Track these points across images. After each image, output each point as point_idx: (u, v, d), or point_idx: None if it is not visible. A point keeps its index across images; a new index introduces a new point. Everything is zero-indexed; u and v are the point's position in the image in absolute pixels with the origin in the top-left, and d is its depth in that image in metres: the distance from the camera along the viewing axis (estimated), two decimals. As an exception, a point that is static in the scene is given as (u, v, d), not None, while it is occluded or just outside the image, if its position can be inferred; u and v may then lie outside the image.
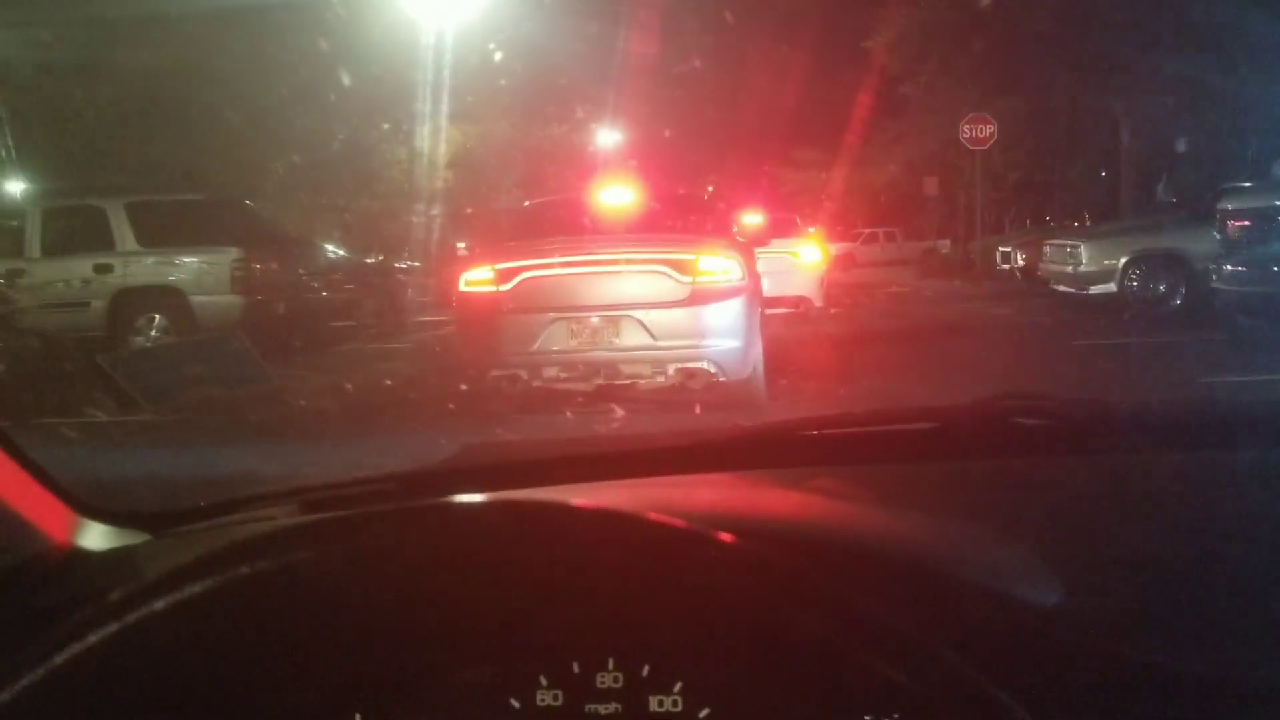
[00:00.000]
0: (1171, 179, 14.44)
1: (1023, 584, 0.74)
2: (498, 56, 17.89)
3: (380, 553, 0.61)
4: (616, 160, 22.38)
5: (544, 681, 0.68)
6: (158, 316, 8.79)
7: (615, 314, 5.10)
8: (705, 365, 5.08)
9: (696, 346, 5.08)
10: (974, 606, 0.70)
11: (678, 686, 0.68)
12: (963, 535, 0.86)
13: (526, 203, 8.50)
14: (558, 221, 6.14)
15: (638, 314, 5.08)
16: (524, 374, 5.15)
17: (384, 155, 19.04)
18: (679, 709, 0.68)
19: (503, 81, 18.78)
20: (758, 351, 5.38)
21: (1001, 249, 14.75)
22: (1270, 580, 0.77)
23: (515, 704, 0.68)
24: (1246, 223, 7.76)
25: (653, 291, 5.14)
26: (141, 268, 8.91)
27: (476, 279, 5.38)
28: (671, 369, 5.09)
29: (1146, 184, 15.60)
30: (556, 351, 5.12)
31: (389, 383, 6.95)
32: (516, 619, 0.66)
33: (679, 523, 0.60)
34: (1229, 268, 7.94)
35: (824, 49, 24.75)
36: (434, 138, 16.74)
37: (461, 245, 16.30)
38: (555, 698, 0.68)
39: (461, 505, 0.70)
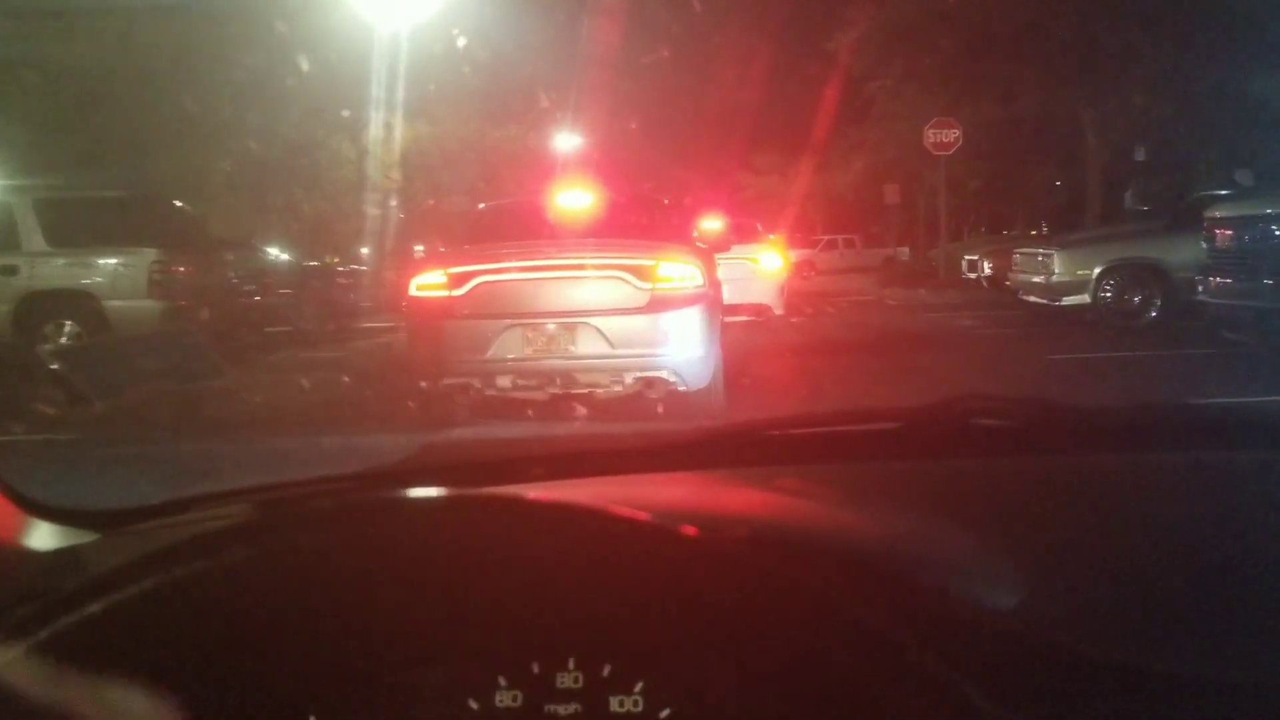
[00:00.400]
0: (1138, 187, 14.42)
1: (984, 583, 0.74)
2: (452, 54, 17.63)
3: (328, 549, 0.61)
4: (574, 163, 22.14)
5: (503, 682, 0.69)
6: (68, 323, 8.21)
7: (572, 321, 5.01)
8: (664, 374, 4.99)
9: (655, 355, 5.00)
10: (936, 604, 0.69)
11: (639, 686, 0.68)
12: (924, 534, 0.86)
13: (481, 205, 8.18)
14: (513, 225, 6.04)
15: (595, 321, 4.98)
16: (477, 383, 5.04)
17: (333, 153, 18.50)
18: (640, 709, 0.68)
19: (457, 80, 18.47)
20: (717, 360, 5.30)
21: (968, 257, 14.38)
22: (1230, 579, 0.78)
23: (474, 705, 0.69)
24: (1236, 232, 7.34)
25: (611, 298, 5.05)
26: (50, 270, 8.32)
27: (428, 283, 5.25)
28: (630, 378, 5.01)
29: (1113, 192, 15.56)
30: (511, 359, 5.01)
31: (346, 379, 6.72)
32: (474, 618, 0.66)
33: (640, 515, 0.61)
34: (1216, 280, 7.56)
35: (785, 54, 24.74)
36: (384, 136, 16.32)
37: (420, 248, 15.90)
38: (514, 699, 0.69)
39: (414, 500, 0.69)
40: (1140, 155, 15.72)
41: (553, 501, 0.64)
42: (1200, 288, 7.74)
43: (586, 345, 4.98)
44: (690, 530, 0.60)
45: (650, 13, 23.68)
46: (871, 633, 0.58)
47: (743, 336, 8.45)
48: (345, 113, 17.19)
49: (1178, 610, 0.72)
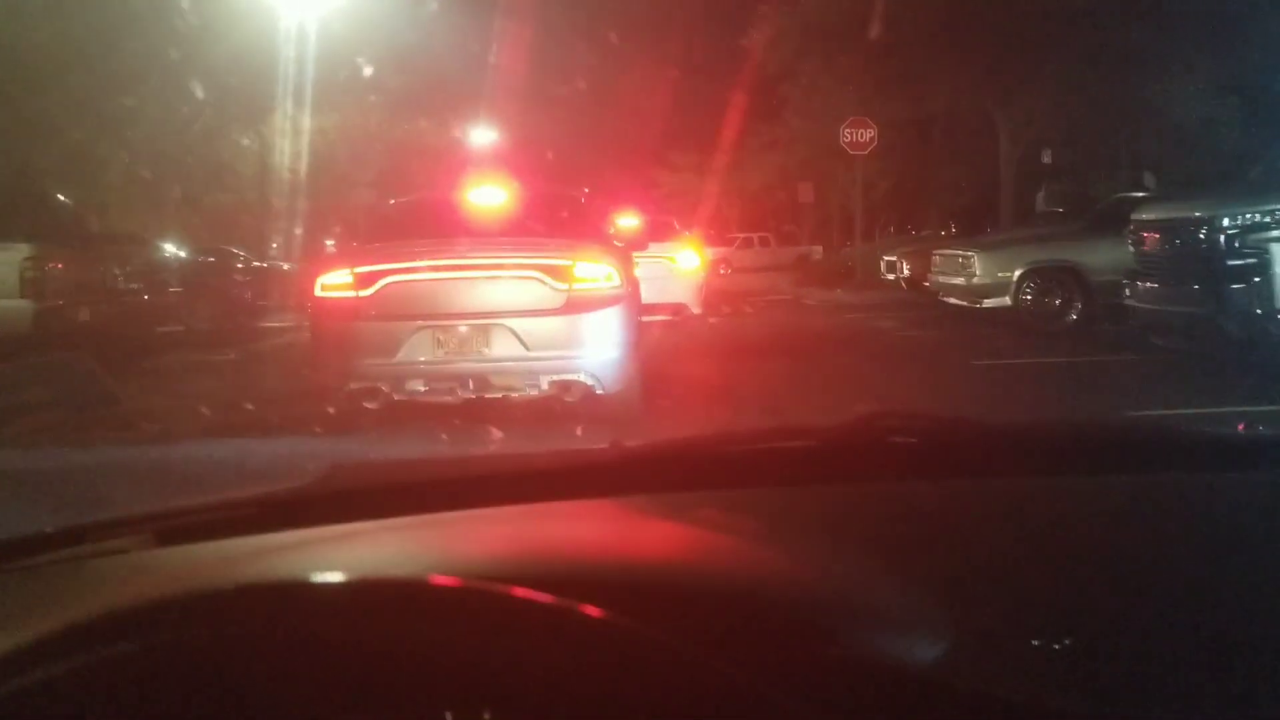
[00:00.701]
0: (1050, 188, 14.83)
1: (901, 625, 0.73)
2: (359, 46, 17.20)
3: (225, 638, 0.60)
4: (486, 158, 21.85)
5: None
6: (-72, 328, 7.60)
7: (486, 322, 4.90)
8: (581, 377, 4.92)
9: (572, 357, 4.93)
10: (838, 652, 0.67)
11: None
12: (837, 568, 0.85)
13: (391, 200, 7.93)
14: (424, 221, 5.89)
15: (510, 322, 4.88)
16: (385, 387, 4.89)
17: (234, 145, 17.74)
18: None
19: (364, 72, 17.97)
20: (636, 363, 5.25)
21: (886, 258, 14.44)
22: (1157, 611, 0.76)
23: None
24: (1164, 235, 7.17)
25: (526, 298, 4.96)
26: None
27: (334, 283, 5.08)
28: (545, 381, 4.92)
29: (1024, 193, 15.94)
30: (421, 362, 4.88)
31: (250, 406, 6.42)
32: (378, 690, 0.62)
33: (537, 596, 0.60)
34: (1143, 285, 7.37)
35: (700, 51, 24.91)
36: (286, 127, 15.73)
37: (331, 244, 15.38)
38: None
39: (312, 583, 0.68)
40: (1047, 158, 16.20)
41: (442, 585, 0.63)
42: (1127, 291, 7.61)
43: (500, 347, 4.88)
44: (596, 612, 0.59)
45: (565, 8, 23.55)
46: (751, 697, 0.57)
47: (660, 337, 8.36)
48: (245, 103, 16.54)
49: (1103, 646, 0.69)
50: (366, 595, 0.63)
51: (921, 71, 14.79)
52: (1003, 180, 15.82)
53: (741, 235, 35.52)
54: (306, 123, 16.21)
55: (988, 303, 10.10)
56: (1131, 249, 7.64)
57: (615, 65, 26.66)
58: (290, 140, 16.12)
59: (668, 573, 0.82)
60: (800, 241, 35.52)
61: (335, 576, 0.66)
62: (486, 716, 0.64)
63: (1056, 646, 0.69)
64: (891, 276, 14.35)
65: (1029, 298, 9.95)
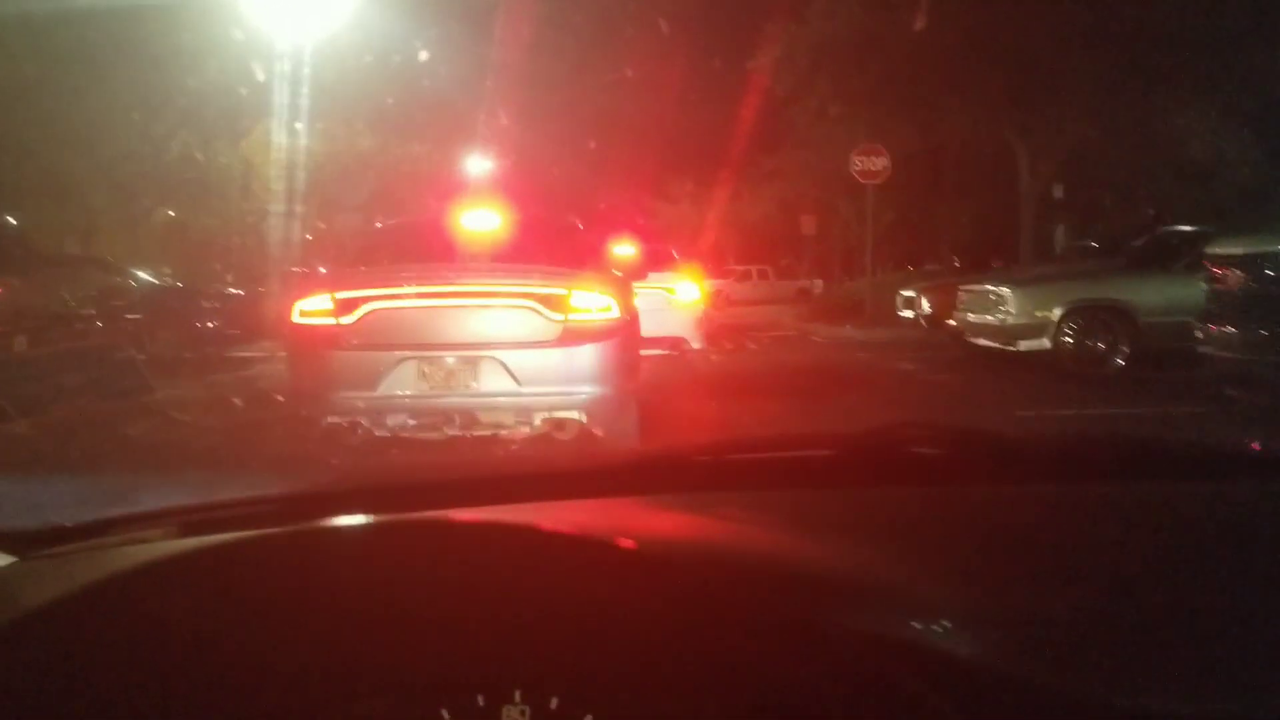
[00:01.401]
0: (1071, 222, 14.48)
1: (927, 610, 0.76)
2: (352, 69, 17.05)
3: (258, 581, 0.62)
4: (482, 185, 21.71)
5: (447, 715, 0.69)
6: None
7: (474, 354, 4.67)
8: (576, 415, 4.71)
9: (567, 393, 4.69)
10: (893, 627, 0.71)
11: (587, 718, 0.68)
12: (864, 560, 0.88)
13: (378, 224, 7.60)
14: (412, 246, 5.71)
15: (500, 354, 4.65)
16: (365, 422, 4.68)
17: (215, 167, 17.49)
18: None
19: (355, 94, 17.85)
20: (634, 401, 5.06)
21: (904, 293, 13.86)
22: (1176, 609, 0.80)
23: None
24: (1248, 274, 6.28)
25: (518, 329, 4.74)
26: None
27: (313, 309, 4.83)
28: (538, 418, 4.71)
29: (1045, 227, 15.48)
30: (405, 396, 4.66)
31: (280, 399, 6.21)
32: (413, 649, 0.66)
33: (583, 533, 0.64)
34: (1222, 328, 6.51)
35: (700, 79, 24.88)
36: (268, 148, 15.49)
37: (296, 269, 15.01)
38: None
39: (343, 527, 0.71)
40: (1059, 193, 15.89)
41: (483, 521, 0.67)
42: (1199, 335, 6.78)
43: (490, 381, 4.64)
44: (629, 544, 0.60)
45: (563, 36, 23.56)
46: (849, 657, 0.58)
47: (658, 374, 7.99)
48: (227, 123, 16.35)
49: (1125, 641, 0.74)
50: (392, 534, 0.64)
51: (936, 97, 14.38)
52: (1022, 213, 15.36)
53: (740, 267, 35.35)
54: (288, 144, 15.95)
55: (1023, 345, 9.25)
56: (1205, 288, 6.87)
57: (614, 97, 26.67)
58: (273, 164, 15.87)
59: (702, 546, 0.84)
60: (800, 274, 35.41)
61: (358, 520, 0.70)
62: (517, 695, 0.67)
63: (1071, 634, 0.73)
64: (909, 313, 13.58)
65: (1070, 340, 9.14)
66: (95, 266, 9.74)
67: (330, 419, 4.71)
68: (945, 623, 0.71)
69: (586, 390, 4.71)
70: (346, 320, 4.72)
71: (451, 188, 19.22)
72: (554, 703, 0.67)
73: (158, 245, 17.72)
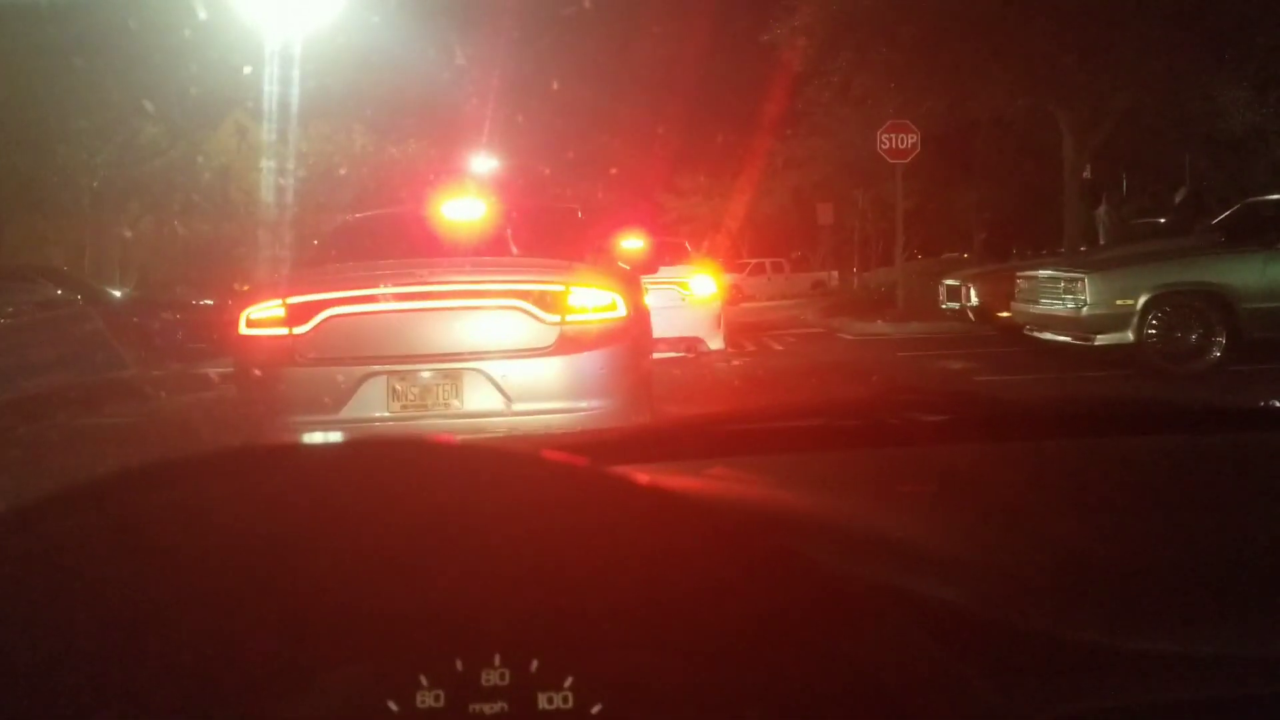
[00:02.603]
0: (1112, 199, 13.69)
1: (938, 566, 0.77)
2: (346, 66, 16.62)
3: (220, 521, 0.58)
4: (479, 181, 21.22)
5: (424, 681, 0.69)
6: None
7: (455, 366, 4.15)
8: None
9: (566, 410, 4.15)
10: (907, 580, 0.72)
11: (568, 682, 0.68)
12: (870, 517, 0.91)
13: (347, 217, 6.99)
14: (385, 241, 5.16)
15: (486, 366, 4.12)
16: None
17: (191, 170, 17.05)
18: (570, 706, 0.68)
19: (349, 93, 17.43)
20: (646, 417, 4.41)
21: (947, 283, 12.97)
22: (1161, 550, 0.83)
23: (393, 707, 0.68)
24: None
25: (507, 335, 4.19)
26: None
27: (262, 318, 4.31)
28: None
29: (1084, 208, 14.64)
30: (372, 419, 4.11)
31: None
32: (388, 608, 0.64)
33: (577, 459, 0.59)
34: None
35: (709, 70, 24.38)
36: (244, 151, 15.06)
37: (242, 288, 14.57)
38: (437, 698, 0.68)
39: (313, 447, 0.64)
40: (1087, 172, 15.17)
41: (463, 442, 0.59)
42: None
43: (474, 399, 4.08)
44: (643, 478, 0.58)
45: (566, 26, 23.09)
46: (863, 606, 0.59)
47: (671, 380, 7.31)
48: (208, 121, 15.95)
49: (1112, 582, 0.75)
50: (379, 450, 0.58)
51: (975, 63, 13.48)
52: (1066, 191, 14.54)
53: (753, 261, 34.75)
54: (275, 145, 15.48)
55: (1101, 339, 8.21)
56: None
57: (618, 89, 26.23)
58: (254, 169, 15.44)
59: (680, 501, 0.76)
60: (814, 267, 34.87)
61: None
62: (497, 658, 0.67)
63: (1070, 583, 0.75)
64: (954, 305, 12.52)
65: (1155, 331, 8.18)
66: (46, 278, 9.16)
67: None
68: (933, 570, 0.74)
69: (589, 406, 4.18)
70: (301, 330, 4.16)
71: (447, 183, 18.78)
72: (534, 665, 0.67)
73: (145, 253, 17.36)
